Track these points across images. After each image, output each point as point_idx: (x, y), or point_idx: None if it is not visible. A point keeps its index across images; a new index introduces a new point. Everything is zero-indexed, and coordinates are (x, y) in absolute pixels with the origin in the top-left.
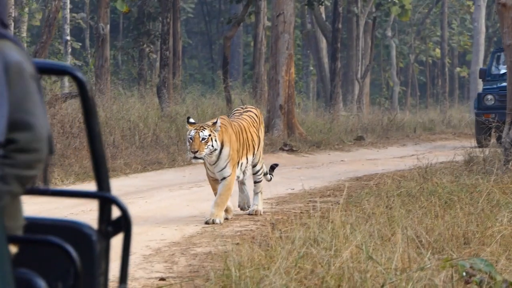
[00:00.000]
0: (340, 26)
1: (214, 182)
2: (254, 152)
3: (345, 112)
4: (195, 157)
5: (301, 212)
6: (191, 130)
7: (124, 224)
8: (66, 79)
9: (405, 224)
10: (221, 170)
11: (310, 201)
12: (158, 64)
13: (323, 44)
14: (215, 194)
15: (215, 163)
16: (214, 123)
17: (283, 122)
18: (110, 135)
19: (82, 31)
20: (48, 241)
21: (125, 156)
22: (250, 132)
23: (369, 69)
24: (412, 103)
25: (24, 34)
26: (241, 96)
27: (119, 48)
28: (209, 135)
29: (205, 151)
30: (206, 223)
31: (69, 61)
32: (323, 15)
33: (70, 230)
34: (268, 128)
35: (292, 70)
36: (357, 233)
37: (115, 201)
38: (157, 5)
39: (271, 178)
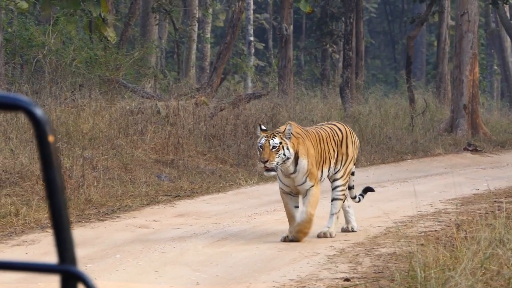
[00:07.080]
0: None
1: (287, 196)
2: (330, 166)
3: None
4: (266, 169)
5: (486, 213)
6: (261, 138)
7: None
8: (249, 79)
9: None
10: (302, 184)
11: (495, 201)
12: (341, 64)
13: (508, 43)
14: (288, 211)
15: (293, 173)
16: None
17: (467, 122)
18: None
19: (265, 32)
20: None
21: None
22: (327, 144)
23: None
24: None
25: (208, 35)
26: (424, 96)
27: (302, 49)
28: (280, 142)
29: (276, 160)
30: (287, 240)
31: (252, 62)
32: (508, 14)
33: None
34: (452, 128)
35: (477, 69)
36: None
37: (80, 277)
38: (340, 5)
39: (359, 200)
